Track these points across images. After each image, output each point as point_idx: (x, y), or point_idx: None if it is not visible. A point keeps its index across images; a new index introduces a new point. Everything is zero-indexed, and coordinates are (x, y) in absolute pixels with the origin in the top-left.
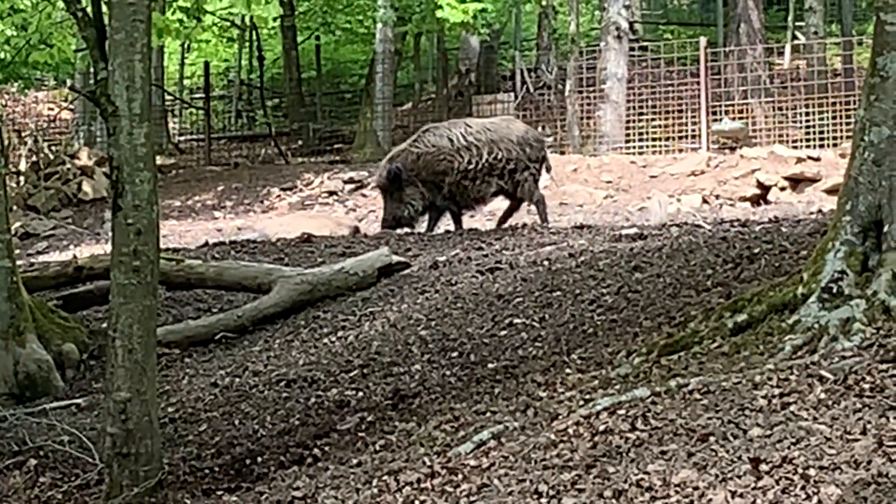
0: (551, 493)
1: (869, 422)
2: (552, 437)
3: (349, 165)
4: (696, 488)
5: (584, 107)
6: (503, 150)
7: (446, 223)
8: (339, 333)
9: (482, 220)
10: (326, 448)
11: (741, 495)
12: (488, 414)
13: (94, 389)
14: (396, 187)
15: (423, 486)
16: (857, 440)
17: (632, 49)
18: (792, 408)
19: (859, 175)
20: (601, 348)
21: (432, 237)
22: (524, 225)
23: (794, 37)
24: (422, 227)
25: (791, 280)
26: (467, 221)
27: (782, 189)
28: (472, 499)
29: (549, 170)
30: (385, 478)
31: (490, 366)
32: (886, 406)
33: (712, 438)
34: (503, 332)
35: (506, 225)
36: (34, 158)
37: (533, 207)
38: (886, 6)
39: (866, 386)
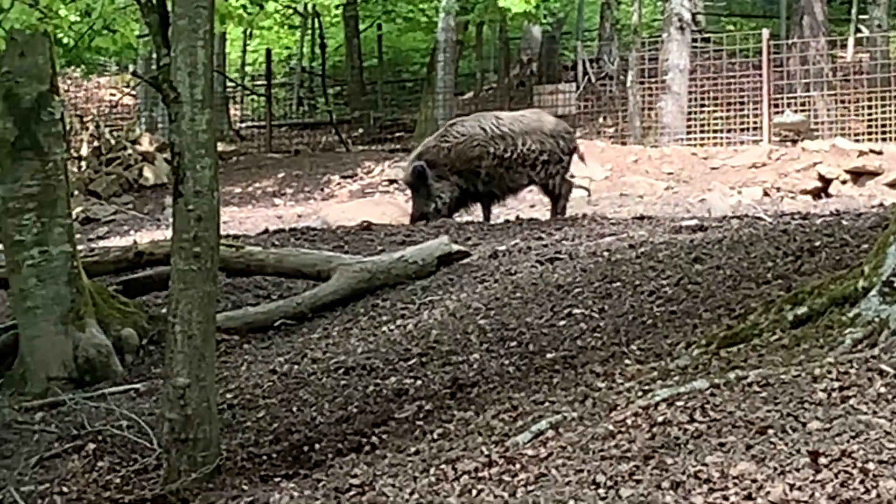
0: (609, 483)
1: None
2: (610, 427)
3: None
4: (754, 481)
5: (646, 98)
6: (536, 142)
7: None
8: (398, 322)
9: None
10: (384, 436)
11: (800, 488)
12: (546, 404)
13: (153, 375)
14: (423, 183)
15: (480, 475)
16: None
17: (694, 40)
18: (851, 401)
19: None
20: (660, 340)
21: (492, 226)
22: (584, 215)
23: (858, 29)
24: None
25: (852, 273)
26: (525, 212)
27: (843, 182)
28: (529, 488)
29: (581, 158)
30: (443, 466)
31: (549, 356)
32: None
33: (771, 431)
34: (562, 322)
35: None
36: (96, 144)
37: (547, 199)
38: None
39: None
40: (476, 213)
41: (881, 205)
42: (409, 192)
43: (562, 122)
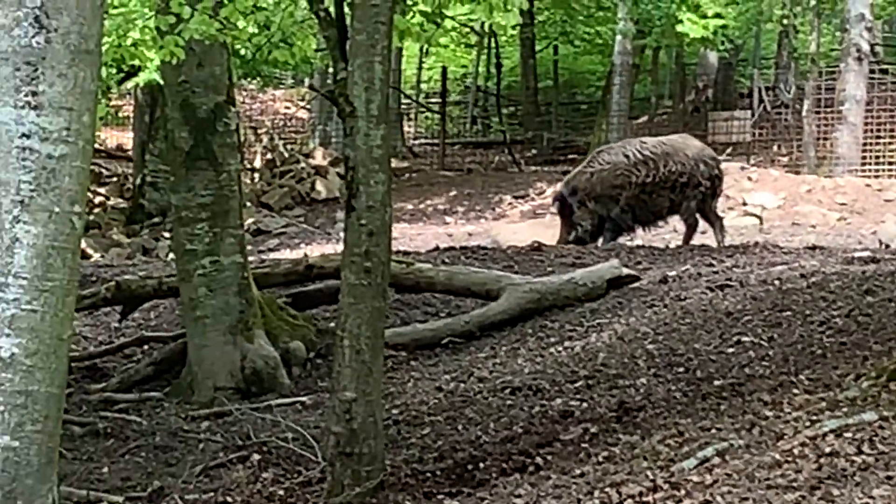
0: None
1: None
2: (777, 456)
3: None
4: None
5: (821, 127)
6: (677, 164)
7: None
8: (566, 343)
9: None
10: (549, 457)
11: None
12: (713, 430)
13: (319, 388)
14: (568, 211)
15: (645, 499)
16: None
17: (871, 71)
18: None
19: None
20: (829, 370)
21: (662, 251)
22: (756, 243)
23: None
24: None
25: None
26: (686, 237)
27: None
28: None
29: (718, 194)
30: (607, 489)
31: (716, 383)
32: None
33: None
34: (730, 350)
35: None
36: (269, 156)
37: (682, 227)
38: None
39: None
40: (646, 237)
41: None
42: None
43: (708, 148)
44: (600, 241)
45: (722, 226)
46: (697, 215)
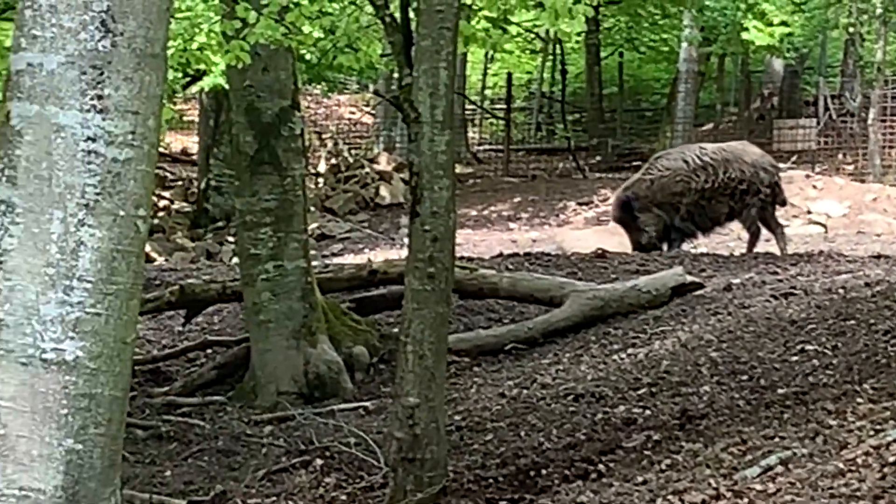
0: None
1: None
2: (840, 465)
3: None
4: None
5: (887, 136)
6: (737, 171)
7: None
8: (629, 350)
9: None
10: (611, 464)
11: None
12: (776, 439)
13: (382, 393)
14: (630, 217)
15: None
16: None
17: None
18: None
19: None
20: (894, 379)
21: (726, 259)
22: (820, 252)
23: None
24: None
25: None
26: (750, 244)
27: None
28: None
29: (783, 203)
30: (670, 497)
31: (780, 391)
32: None
33: None
34: (794, 358)
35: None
36: (334, 161)
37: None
38: None
39: None
40: (710, 244)
41: None
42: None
43: (768, 156)
44: (664, 247)
45: (783, 234)
46: (759, 223)
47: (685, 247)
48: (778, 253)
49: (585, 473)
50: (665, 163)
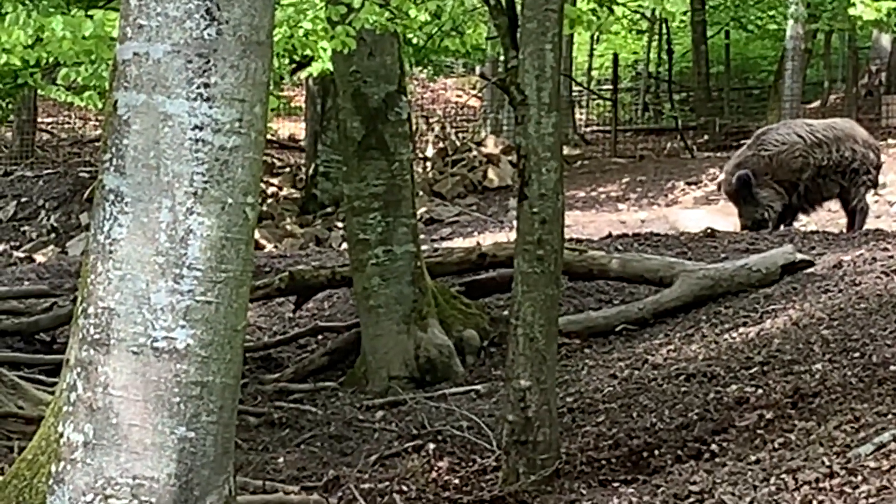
0: None
1: None
2: None
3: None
4: None
5: None
6: (849, 149)
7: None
8: (740, 329)
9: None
10: (724, 444)
11: None
12: (890, 416)
13: (493, 376)
14: (748, 192)
15: (821, 485)
16: None
17: None
18: None
19: None
20: None
21: (836, 237)
22: None
23: None
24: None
25: None
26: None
27: None
28: (870, 500)
29: (875, 185)
30: (783, 476)
31: (892, 368)
32: None
33: None
34: None
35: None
36: (441, 145)
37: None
38: None
39: None
40: (820, 221)
41: None
42: None
43: (872, 137)
44: (770, 226)
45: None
46: (862, 196)
47: (795, 225)
48: (886, 230)
49: (698, 453)
50: (778, 137)
